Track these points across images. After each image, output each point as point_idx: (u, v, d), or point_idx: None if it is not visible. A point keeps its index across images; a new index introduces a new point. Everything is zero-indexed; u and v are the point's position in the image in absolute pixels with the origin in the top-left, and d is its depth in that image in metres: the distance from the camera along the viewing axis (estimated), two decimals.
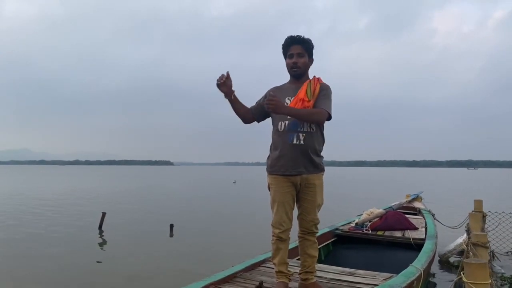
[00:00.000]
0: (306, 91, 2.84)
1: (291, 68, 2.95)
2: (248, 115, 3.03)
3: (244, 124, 3.08)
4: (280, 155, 2.89)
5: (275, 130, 2.96)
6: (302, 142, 2.84)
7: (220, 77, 2.83)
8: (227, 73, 2.84)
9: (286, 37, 2.95)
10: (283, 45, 2.96)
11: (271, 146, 3.03)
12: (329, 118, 2.89)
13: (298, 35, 2.92)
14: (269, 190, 3.01)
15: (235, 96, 2.92)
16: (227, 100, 2.92)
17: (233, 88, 2.90)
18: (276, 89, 3.05)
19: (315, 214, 2.96)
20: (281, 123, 2.89)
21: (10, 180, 38.68)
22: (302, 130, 2.85)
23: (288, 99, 2.91)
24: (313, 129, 2.88)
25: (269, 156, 3.03)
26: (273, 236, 2.93)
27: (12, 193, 21.03)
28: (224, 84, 2.84)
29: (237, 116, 3.02)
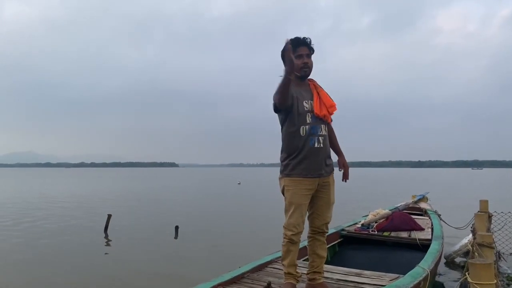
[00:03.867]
0: (329, 96, 2.97)
1: (300, 68, 2.93)
2: (289, 101, 2.86)
3: (275, 111, 2.90)
4: (302, 158, 2.90)
5: (296, 134, 2.91)
6: (321, 145, 2.92)
7: (287, 42, 2.56)
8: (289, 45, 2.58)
9: (293, 38, 2.92)
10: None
11: (287, 149, 2.98)
12: None
13: (304, 37, 2.93)
14: (283, 194, 3.00)
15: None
16: (283, 77, 2.62)
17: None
18: (291, 90, 2.90)
19: (328, 212, 3.03)
20: (303, 128, 2.90)
21: (17, 183, 38.90)
22: (321, 133, 2.93)
23: (306, 102, 2.93)
24: (327, 132, 2.99)
25: (286, 159, 2.99)
26: (284, 238, 2.95)
27: (19, 196, 21.16)
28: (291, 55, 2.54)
29: (277, 99, 2.78)
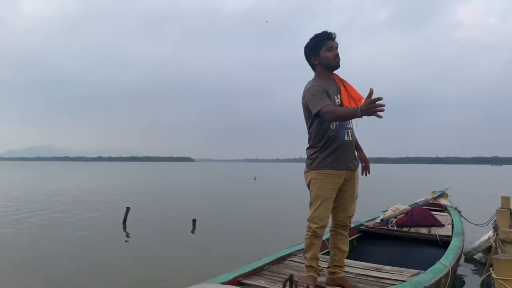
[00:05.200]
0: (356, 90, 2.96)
1: (333, 59, 2.96)
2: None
3: (315, 115, 2.86)
4: (331, 151, 2.91)
5: (327, 129, 2.92)
6: (350, 138, 2.96)
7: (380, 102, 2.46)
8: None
9: (321, 32, 2.99)
10: (318, 39, 2.97)
11: (317, 143, 2.97)
12: None
13: (331, 32, 2.99)
14: (309, 187, 3.02)
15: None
16: (352, 112, 2.64)
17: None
18: (322, 86, 2.93)
19: (352, 206, 3.04)
20: (333, 122, 2.92)
21: (37, 176, 39.64)
22: (349, 126, 2.98)
23: (336, 97, 2.96)
24: (354, 126, 3.02)
25: (314, 152, 2.99)
26: (308, 231, 2.96)
27: (39, 188, 21.58)
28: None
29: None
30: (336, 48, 2.99)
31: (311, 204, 2.97)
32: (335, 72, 3.05)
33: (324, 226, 2.95)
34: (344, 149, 2.93)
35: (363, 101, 2.82)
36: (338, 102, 2.94)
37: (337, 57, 2.98)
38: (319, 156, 2.95)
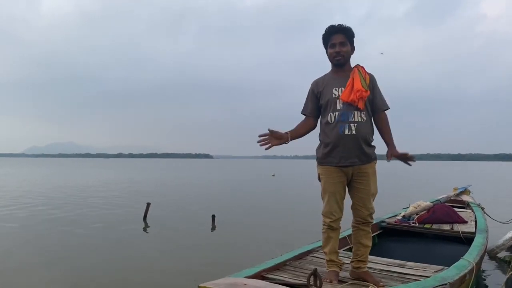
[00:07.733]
0: (361, 81, 2.84)
1: (333, 57, 2.96)
2: (310, 125, 3.10)
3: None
4: (332, 147, 2.91)
5: (325, 122, 2.96)
6: (354, 132, 2.84)
7: (260, 140, 2.91)
8: (269, 130, 2.90)
9: (327, 26, 2.96)
10: (323, 35, 2.97)
11: (320, 138, 3.05)
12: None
13: (339, 24, 2.94)
14: (319, 181, 3.05)
15: (291, 135, 3.00)
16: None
17: (284, 132, 2.99)
18: (320, 82, 3.05)
19: (370, 203, 2.98)
20: (331, 115, 2.91)
21: (61, 172, 40.37)
22: (353, 120, 2.85)
23: (336, 90, 2.93)
24: (363, 119, 2.89)
25: (319, 146, 3.04)
26: (323, 225, 2.99)
27: (60, 183, 22.00)
28: (272, 139, 2.92)
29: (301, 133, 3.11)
30: (342, 42, 2.92)
31: (322, 198, 3.02)
32: (359, 64, 3.00)
33: (338, 219, 2.96)
34: (346, 144, 2.85)
35: (362, 92, 2.81)
36: (335, 94, 2.91)
37: (338, 54, 2.93)
38: (322, 151, 3.00)
